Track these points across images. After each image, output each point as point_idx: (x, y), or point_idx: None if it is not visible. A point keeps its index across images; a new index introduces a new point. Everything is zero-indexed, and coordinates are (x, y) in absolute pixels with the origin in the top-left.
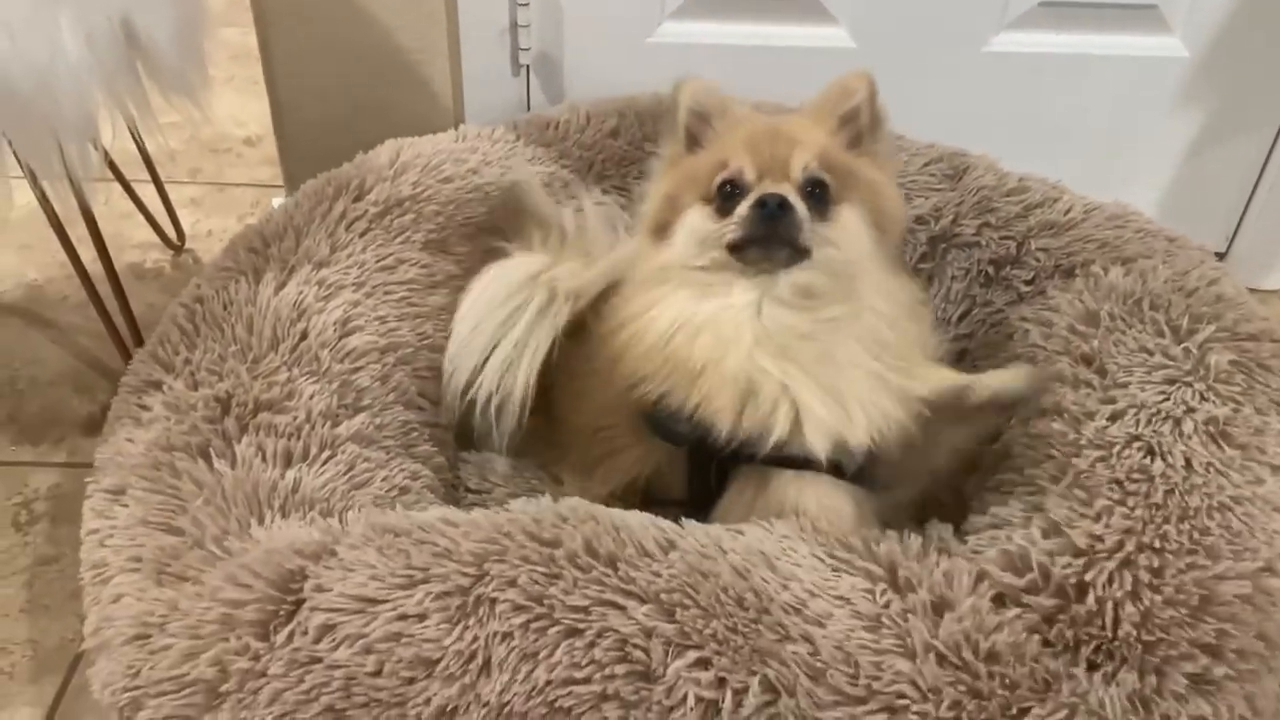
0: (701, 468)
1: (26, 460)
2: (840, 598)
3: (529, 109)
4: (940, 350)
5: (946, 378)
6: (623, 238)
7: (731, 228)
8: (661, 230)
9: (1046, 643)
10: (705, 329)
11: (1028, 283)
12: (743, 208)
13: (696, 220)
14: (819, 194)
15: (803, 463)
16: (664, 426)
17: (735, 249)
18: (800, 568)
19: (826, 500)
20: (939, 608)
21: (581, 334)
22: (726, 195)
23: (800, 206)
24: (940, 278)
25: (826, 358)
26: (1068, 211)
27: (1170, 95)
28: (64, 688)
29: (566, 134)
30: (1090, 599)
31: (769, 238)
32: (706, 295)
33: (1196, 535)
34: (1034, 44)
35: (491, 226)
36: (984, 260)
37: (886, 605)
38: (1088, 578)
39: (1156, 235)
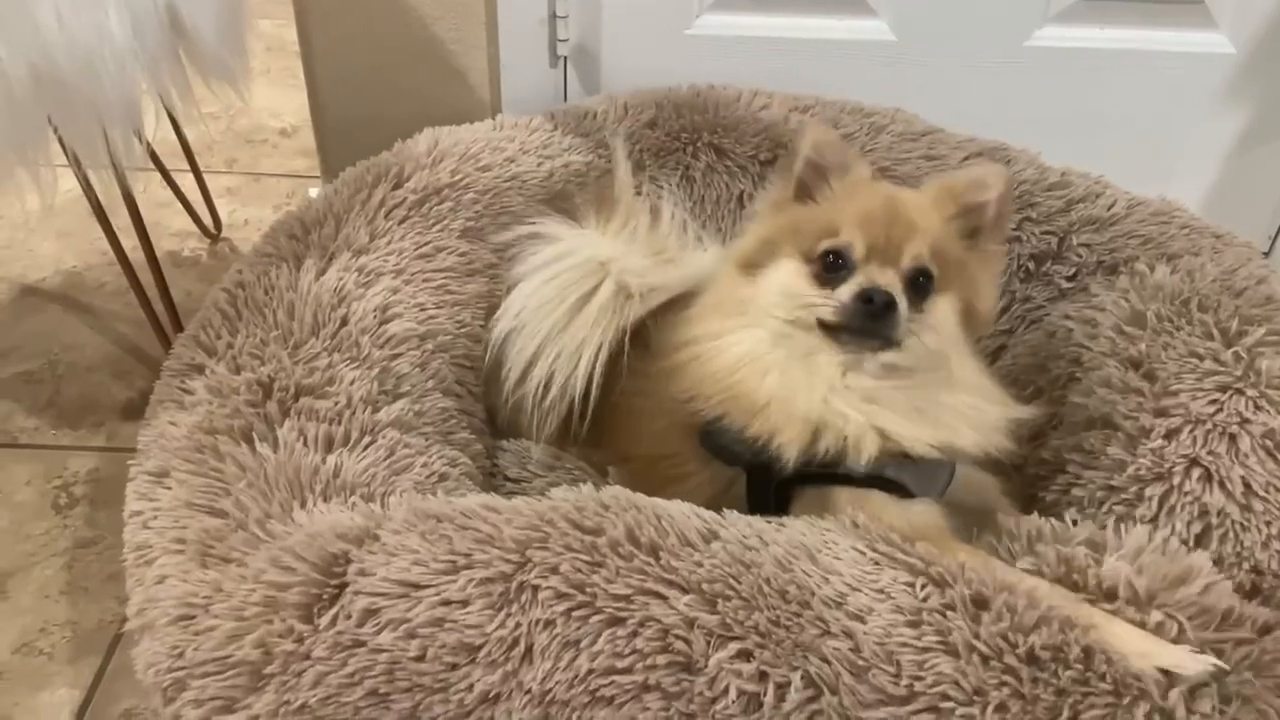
0: (761, 494)
1: (66, 444)
2: (881, 591)
3: (565, 100)
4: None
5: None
6: (693, 243)
7: (829, 308)
8: (751, 268)
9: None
10: (775, 370)
11: (1069, 279)
12: (845, 292)
13: (791, 276)
14: (923, 285)
15: (872, 481)
16: (719, 445)
17: (827, 328)
18: (841, 561)
19: (912, 512)
20: (979, 602)
21: (642, 343)
22: (829, 265)
23: (903, 304)
24: None
25: (921, 401)
26: (1110, 207)
27: (1215, 92)
28: (103, 669)
29: (604, 124)
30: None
31: (866, 331)
32: (783, 344)
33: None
34: (1077, 39)
35: (564, 195)
36: (1024, 255)
37: (926, 599)
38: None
39: (1202, 232)
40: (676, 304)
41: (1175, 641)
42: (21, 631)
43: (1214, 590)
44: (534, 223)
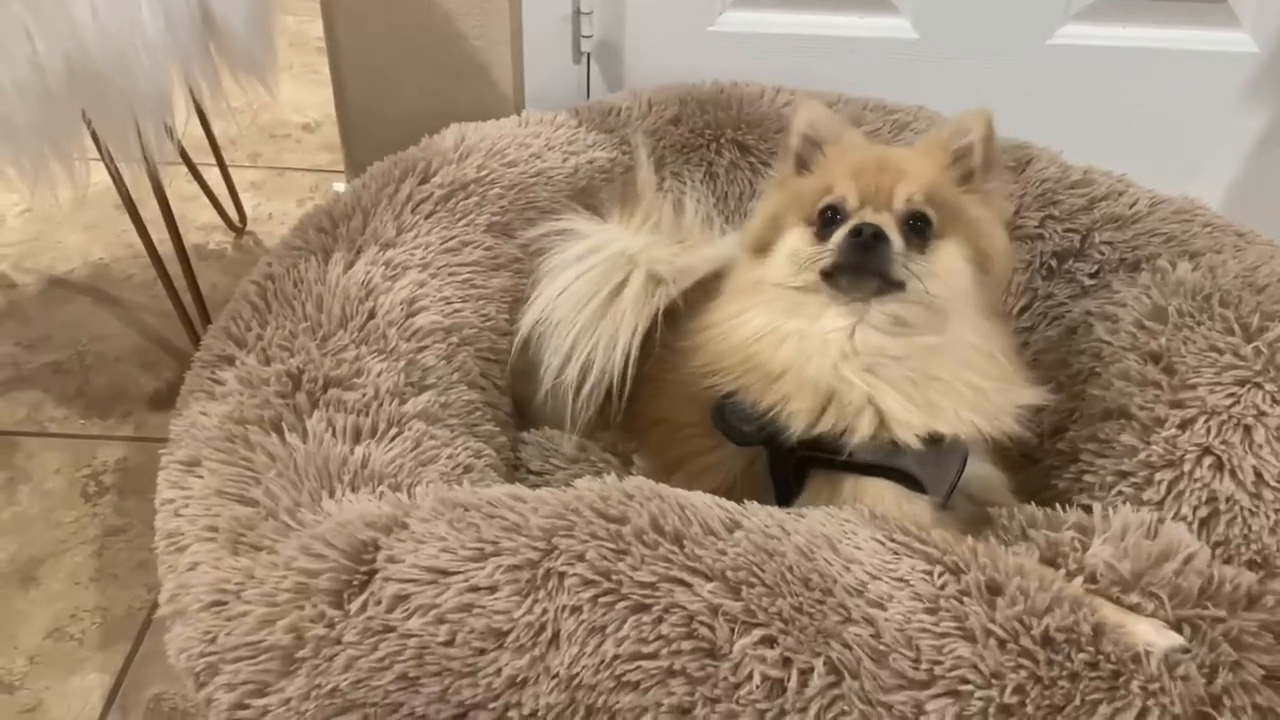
0: (781, 473)
1: (95, 434)
2: (900, 579)
3: (588, 96)
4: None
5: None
6: (717, 234)
7: (826, 253)
8: (763, 248)
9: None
10: (791, 338)
11: (1091, 276)
12: (838, 235)
13: (796, 241)
14: (920, 227)
15: (880, 469)
16: (729, 424)
17: (827, 275)
18: (861, 550)
19: (905, 506)
20: (993, 588)
21: (674, 321)
22: (827, 220)
23: (896, 239)
24: None
25: (919, 376)
26: (1133, 205)
27: (1238, 91)
28: (132, 654)
29: (628, 120)
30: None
31: (860, 267)
32: (797, 313)
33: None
34: (1099, 37)
35: (590, 191)
36: (1046, 253)
37: (943, 586)
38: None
39: (1225, 229)
40: (707, 284)
41: (1153, 615)
42: (53, 617)
43: (1194, 563)
44: (560, 219)
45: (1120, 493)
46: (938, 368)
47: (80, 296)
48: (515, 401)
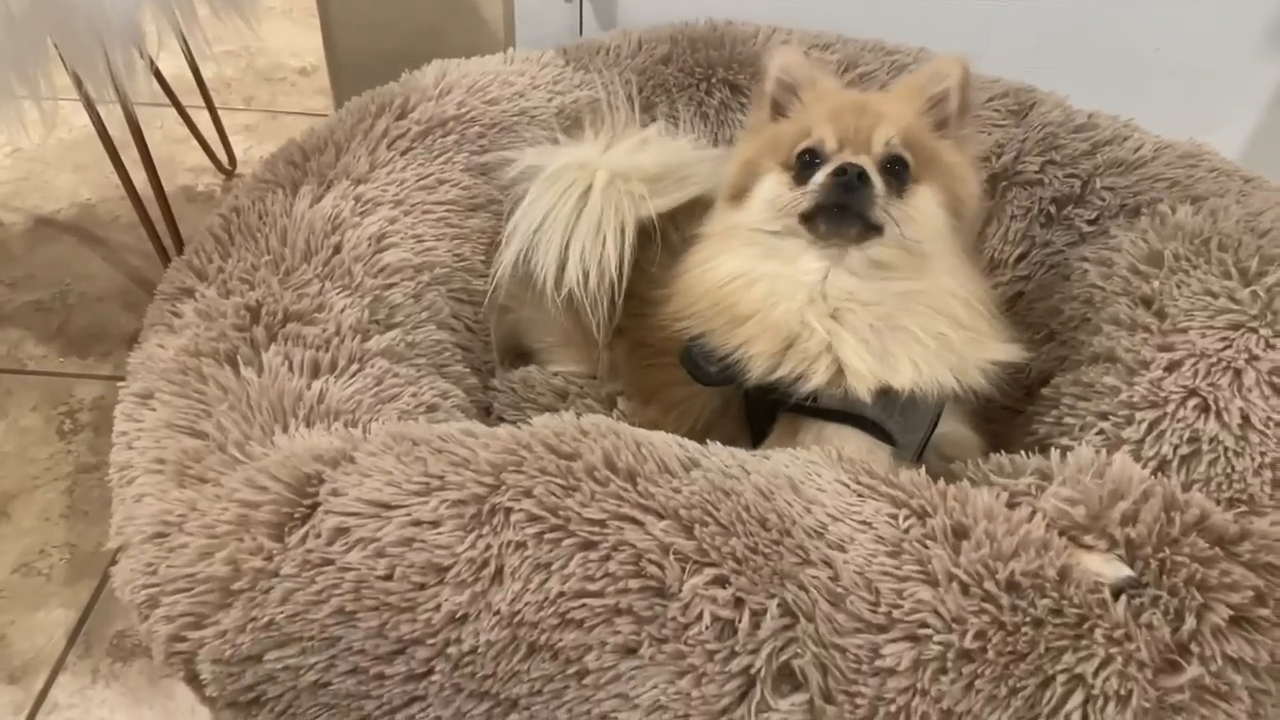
0: (756, 417)
1: (73, 372)
2: (863, 522)
3: (581, 35)
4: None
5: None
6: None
7: (806, 195)
8: (740, 195)
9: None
10: (761, 282)
11: (1090, 222)
12: (820, 176)
13: (773, 186)
14: (898, 171)
15: (847, 417)
16: (694, 363)
17: (806, 218)
18: (824, 493)
19: (865, 455)
20: (959, 532)
21: (668, 248)
22: (805, 164)
23: (878, 181)
24: (999, 217)
25: (884, 326)
26: (1138, 149)
27: (1259, 33)
28: (99, 591)
29: (617, 59)
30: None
31: (842, 209)
32: (772, 256)
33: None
34: None
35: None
36: (1046, 199)
37: (908, 530)
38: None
39: (1231, 175)
40: (697, 209)
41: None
42: (21, 552)
43: (1149, 502)
44: (513, 150)
45: (1101, 431)
46: (907, 316)
47: (66, 236)
48: (517, 348)
